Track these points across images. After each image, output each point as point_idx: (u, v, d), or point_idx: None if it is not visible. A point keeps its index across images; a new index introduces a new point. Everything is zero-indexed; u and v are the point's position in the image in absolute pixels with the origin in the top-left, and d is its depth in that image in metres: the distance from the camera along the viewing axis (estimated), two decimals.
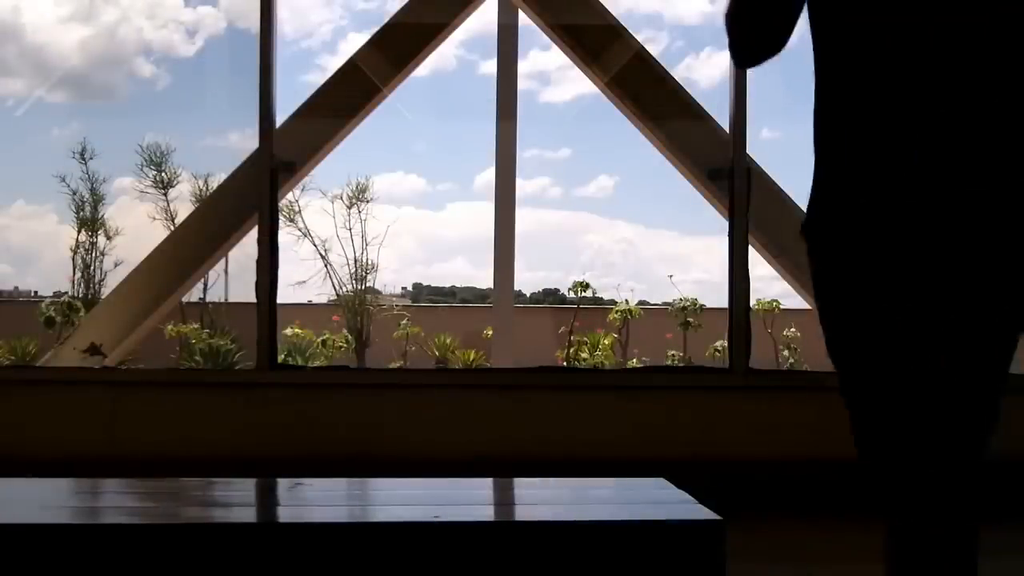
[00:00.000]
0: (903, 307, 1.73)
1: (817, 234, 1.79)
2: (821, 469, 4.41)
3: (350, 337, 6.83)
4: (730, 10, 1.81)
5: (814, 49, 1.80)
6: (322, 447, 4.30)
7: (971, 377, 1.81)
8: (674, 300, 6.86)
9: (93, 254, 6.83)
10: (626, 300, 6.89)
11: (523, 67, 6.30)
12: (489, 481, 3.01)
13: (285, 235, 5.66)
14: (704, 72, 8.25)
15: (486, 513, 2.58)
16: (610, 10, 5.45)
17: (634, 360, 6.59)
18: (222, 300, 6.67)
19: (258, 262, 4.60)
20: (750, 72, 4.65)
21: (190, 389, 4.60)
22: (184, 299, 6.25)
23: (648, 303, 7.14)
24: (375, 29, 5.65)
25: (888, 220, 1.70)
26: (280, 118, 4.91)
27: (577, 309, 6.69)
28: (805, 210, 1.82)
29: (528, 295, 8.00)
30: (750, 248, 4.72)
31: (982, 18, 1.67)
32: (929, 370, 1.79)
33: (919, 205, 1.68)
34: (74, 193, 6.81)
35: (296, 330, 6.74)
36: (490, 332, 6.25)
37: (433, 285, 8.69)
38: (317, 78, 6.96)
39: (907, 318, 1.74)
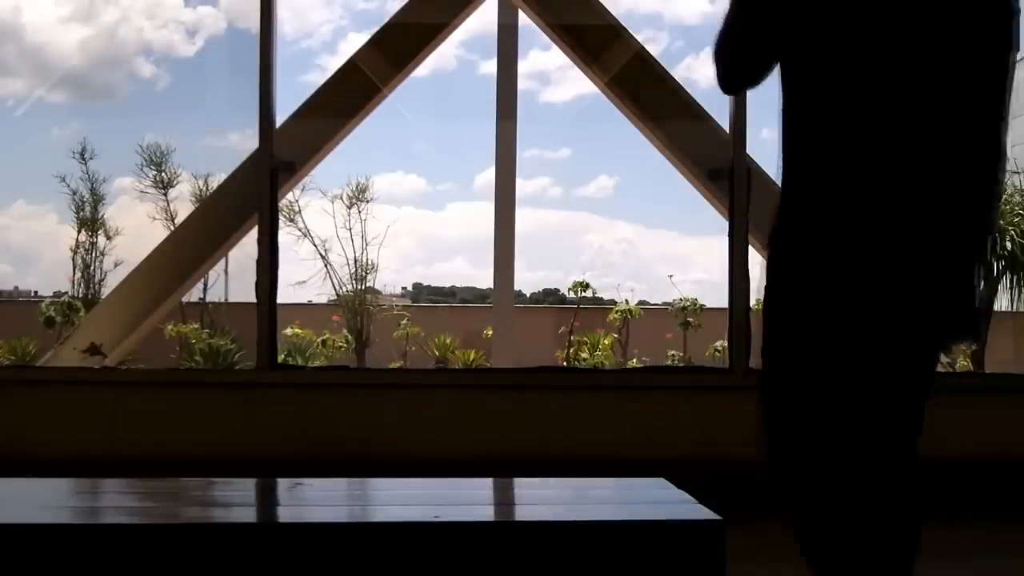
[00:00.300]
0: (859, 300, 1.99)
1: (786, 237, 2.07)
2: None
3: (350, 337, 6.83)
4: (718, 46, 2.10)
5: (782, 84, 2.08)
6: (322, 447, 4.30)
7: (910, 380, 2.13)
8: (674, 300, 6.86)
9: (93, 254, 6.83)
10: (626, 300, 6.89)
11: (523, 67, 6.30)
12: (489, 481, 3.01)
13: (285, 235, 5.66)
14: (704, 72, 8.23)
15: (486, 513, 2.58)
16: (610, 10, 5.45)
17: (634, 360, 6.59)
18: (222, 300, 6.67)
19: (258, 262, 4.59)
20: None
21: (190, 389, 4.60)
22: (184, 299, 6.25)
23: (648, 303, 7.14)
24: (375, 29, 5.66)
25: (854, 220, 1.97)
26: (280, 118, 4.90)
27: (577, 309, 6.69)
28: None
29: (528, 295, 8.00)
30: (750, 248, 4.72)
31: (928, 61, 1.97)
32: (870, 370, 2.07)
33: (881, 209, 1.96)
34: (74, 193, 6.82)
35: (296, 330, 6.74)
36: (490, 332, 6.24)
37: (433, 285, 8.69)
38: (317, 78, 6.96)
39: (859, 312, 2.00)
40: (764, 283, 2.12)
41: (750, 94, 4.66)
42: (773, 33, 2.05)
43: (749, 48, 2.08)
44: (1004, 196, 7.06)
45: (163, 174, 6.87)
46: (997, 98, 2.01)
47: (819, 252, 2.00)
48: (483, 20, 5.99)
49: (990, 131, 2.01)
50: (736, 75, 2.14)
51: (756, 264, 4.97)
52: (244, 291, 5.22)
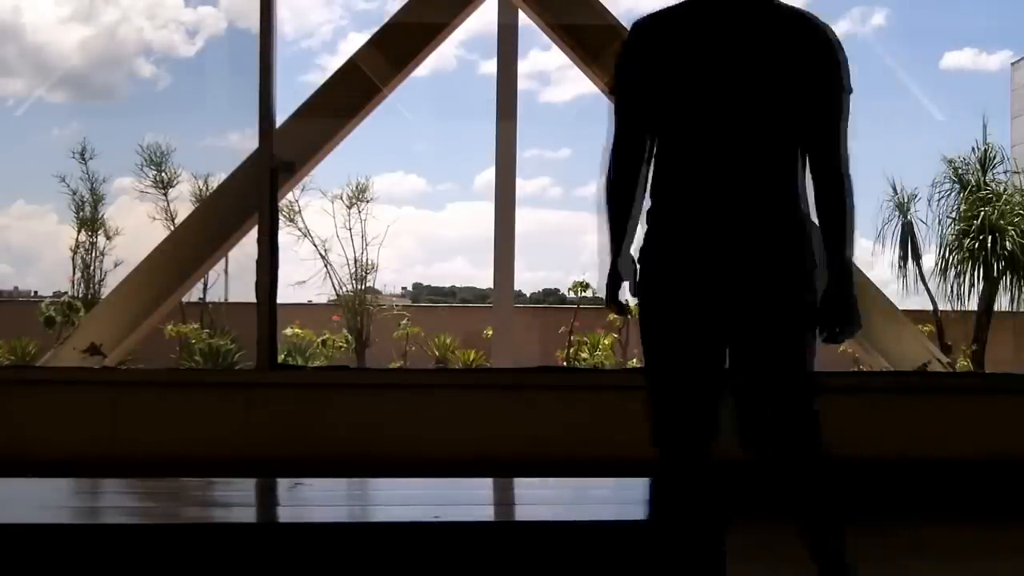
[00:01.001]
0: (696, 311, 2.46)
1: (648, 261, 2.54)
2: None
3: (350, 337, 6.83)
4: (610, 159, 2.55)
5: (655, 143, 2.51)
6: (322, 447, 4.29)
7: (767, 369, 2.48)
8: None
9: (93, 254, 6.84)
10: (626, 300, 6.88)
11: (523, 67, 6.30)
12: (489, 481, 3.01)
13: (285, 235, 5.66)
14: None
15: (486, 513, 2.58)
16: (610, 10, 5.45)
17: (634, 360, 6.59)
18: (222, 300, 6.67)
19: (258, 262, 4.59)
20: None
21: (190, 389, 4.59)
22: (184, 299, 6.25)
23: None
24: (375, 29, 5.66)
25: (691, 246, 2.44)
26: (280, 118, 4.90)
27: (577, 309, 6.68)
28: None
29: (528, 295, 8.00)
30: None
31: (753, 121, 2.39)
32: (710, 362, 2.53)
33: (710, 238, 2.41)
34: (74, 193, 6.83)
35: (296, 330, 6.73)
36: (490, 332, 6.24)
37: (433, 285, 8.70)
38: (317, 78, 6.97)
39: (694, 330, 2.49)
40: (640, 296, 2.60)
41: None
42: (648, 120, 2.48)
43: (637, 144, 2.51)
44: (1004, 196, 7.07)
45: (163, 174, 6.88)
46: (835, 134, 2.43)
47: (693, 271, 2.45)
48: (483, 20, 6.00)
49: (831, 163, 2.43)
50: (626, 170, 2.54)
51: None
52: (244, 291, 5.22)
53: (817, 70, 2.39)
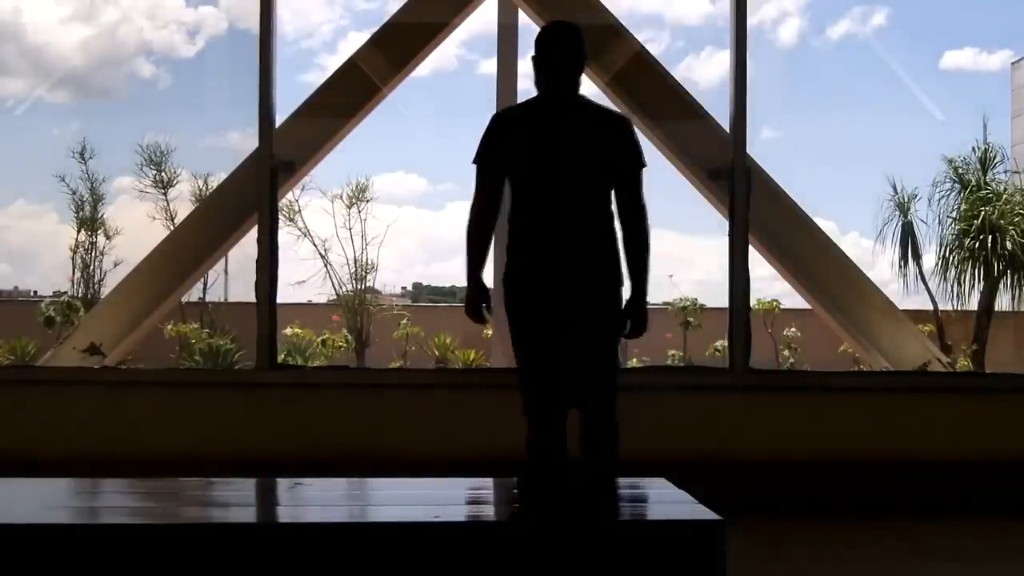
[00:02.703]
0: (544, 324, 3.25)
1: (510, 284, 3.31)
2: (821, 469, 4.41)
3: (350, 337, 6.83)
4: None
5: (511, 191, 3.33)
6: (322, 447, 4.30)
7: (589, 362, 3.29)
8: (674, 300, 6.86)
9: (93, 254, 6.84)
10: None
11: (523, 67, 6.28)
12: (489, 481, 3.01)
13: (285, 235, 5.66)
14: (704, 72, 8.25)
15: (486, 513, 2.58)
16: (610, 10, 5.45)
17: (634, 360, 6.59)
18: (222, 300, 6.67)
19: (258, 262, 4.59)
20: (750, 71, 4.67)
21: (190, 389, 4.59)
22: (184, 299, 6.25)
23: (648, 303, 7.13)
24: (375, 29, 5.66)
25: (537, 273, 3.26)
26: (280, 118, 4.90)
27: None
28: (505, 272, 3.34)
29: None
30: (750, 248, 4.71)
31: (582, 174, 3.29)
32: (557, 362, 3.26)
33: (549, 267, 3.24)
34: (74, 193, 6.83)
35: (296, 330, 6.74)
36: (490, 332, 6.24)
37: (433, 285, 8.70)
38: (317, 78, 6.97)
39: (544, 330, 3.25)
40: (507, 310, 3.30)
41: (750, 94, 4.67)
42: (503, 180, 3.31)
43: (495, 199, 3.30)
44: (1004, 196, 7.07)
45: (163, 174, 6.89)
46: (636, 191, 3.31)
47: (539, 288, 3.25)
48: (483, 20, 6.00)
49: (637, 214, 3.30)
50: (485, 217, 3.30)
51: (756, 264, 4.97)
52: (244, 291, 5.22)
53: (619, 147, 3.32)
